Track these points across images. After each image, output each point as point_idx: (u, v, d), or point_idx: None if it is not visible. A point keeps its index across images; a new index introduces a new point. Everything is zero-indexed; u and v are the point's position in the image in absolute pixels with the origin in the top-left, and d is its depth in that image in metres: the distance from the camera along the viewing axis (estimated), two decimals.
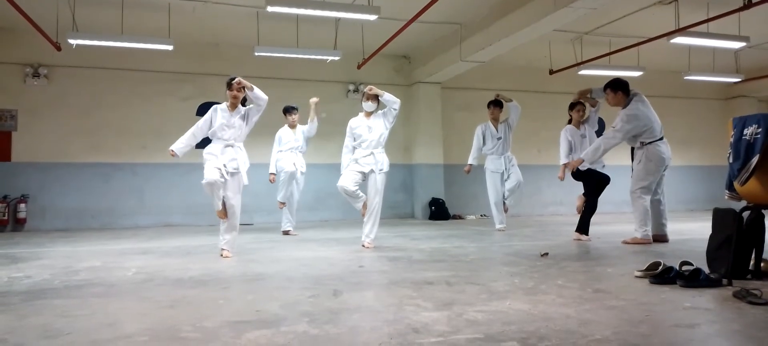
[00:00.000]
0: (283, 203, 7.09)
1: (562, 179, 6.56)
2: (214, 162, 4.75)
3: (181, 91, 9.41)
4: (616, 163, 11.43)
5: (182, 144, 4.90)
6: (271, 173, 7.11)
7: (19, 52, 8.68)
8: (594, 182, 6.18)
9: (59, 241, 6.78)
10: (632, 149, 5.93)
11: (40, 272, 4.16)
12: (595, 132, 6.57)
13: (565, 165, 6.48)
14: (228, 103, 4.92)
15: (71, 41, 7.57)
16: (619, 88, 5.75)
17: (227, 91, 4.89)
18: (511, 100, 7.25)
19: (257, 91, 4.79)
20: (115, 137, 9.09)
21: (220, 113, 4.89)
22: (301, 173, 7.16)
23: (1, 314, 2.78)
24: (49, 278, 3.91)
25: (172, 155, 4.91)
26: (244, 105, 4.94)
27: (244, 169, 4.90)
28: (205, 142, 4.98)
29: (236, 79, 4.85)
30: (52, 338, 2.33)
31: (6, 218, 8.30)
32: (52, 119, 8.80)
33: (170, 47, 8.01)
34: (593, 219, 6.30)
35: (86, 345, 2.24)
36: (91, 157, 8.96)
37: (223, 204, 4.83)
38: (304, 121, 7.19)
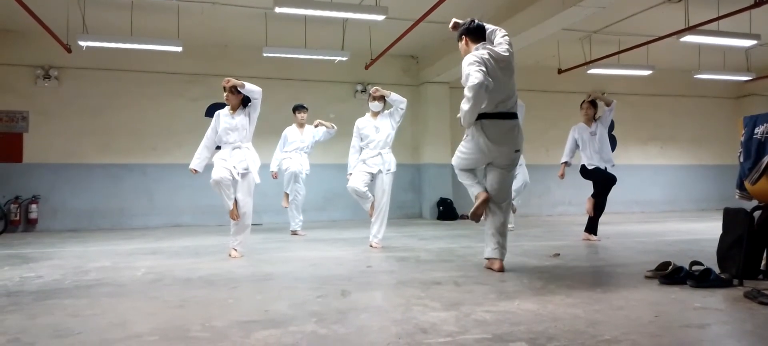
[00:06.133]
0: (287, 194, 7.12)
1: (561, 177, 6.54)
2: (224, 164, 4.79)
3: (191, 92, 9.46)
4: (626, 162, 11.39)
5: (199, 159, 4.98)
6: (272, 171, 7.17)
7: (30, 55, 8.76)
8: (601, 182, 6.13)
9: (70, 241, 6.84)
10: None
11: (51, 272, 4.20)
12: (609, 132, 6.49)
13: (565, 164, 6.47)
14: (229, 107, 4.98)
15: (81, 43, 7.63)
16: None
17: (229, 95, 4.93)
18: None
19: (249, 85, 4.82)
20: (125, 138, 9.15)
21: (222, 118, 4.95)
22: (306, 173, 7.18)
23: (12, 314, 2.81)
24: (59, 278, 3.94)
25: (194, 173, 4.97)
26: (245, 105, 4.96)
27: (254, 169, 4.93)
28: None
29: (225, 79, 4.88)
30: (63, 338, 2.36)
31: (18, 218, 8.37)
32: (63, 121, 8.87)
33: (179, 49, 8.05)
34: (602, 219, 6.27)
35: (96, 344, 2.26)
36: (101, 158, 9.03)
37: (235, 204, 4.85)
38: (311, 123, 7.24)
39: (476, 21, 4.18)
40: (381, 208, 5.50)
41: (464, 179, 4.23)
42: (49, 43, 7.92)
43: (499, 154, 3.94)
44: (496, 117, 3.90)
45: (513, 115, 3.96)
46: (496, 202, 4.03)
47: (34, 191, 8.63)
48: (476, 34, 4.12)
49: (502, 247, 3.99)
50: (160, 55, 8.88)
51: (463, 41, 4.17)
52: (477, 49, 3.98)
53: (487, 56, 3.89)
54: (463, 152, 4.14)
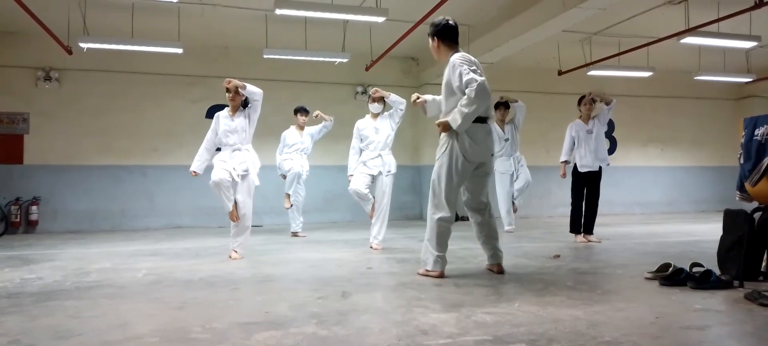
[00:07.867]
0: (289, 195, 7.11)
1: (563, 176, 6.55)
2: (224, 166, 4.79)
3: (191, 94, 9.47)
4: (626, 163, 11.39)
5: (199, 161, 5.00)
6: (282, 175, 7.17)
7: (31, 56, 8.76)
8: (591, 190, 6.14)
9: (70, 243, 6.84)
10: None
11: (51, 274, 4.20)
12: (606, 131, 6.50)
13: (565, 163, 6.49)
14: (229, 108, 4.98)
15: (82, 45, 7.63)
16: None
17: (233, 95, 4.93)
18: (516, 101, 7.30)
19: (250, 87, 4.83)
20: (125, 140, 9.15)
21: (222, 120, 4.96)
22: (306, 173, 7.19)
23: (13, 315, 2.82)
24: (60, 279, 3.95)
25: (194, 175, 5.00)
26: (244, 107, 4.97)
27: (254, 171, 4.93)
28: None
29: (226, 80, 4.89)
30: (64, 339, 2.36)
31: (18, 220, 8.37)
32: (64, 122, 8.88)
33: (180, 50, 8.06)
34: (602, 221, 6.26)
35: None
36: (102, 160, 9.03)
37: (235, 205, 4.86)
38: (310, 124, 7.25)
39: (451, 21, 3.97)
40: (381, 209, 5.52)
41: (436, 238, 3.89)
42: (50, 44, 7.92)
43: (482, 158, 3.88)
44: (476, 121, 3.81)
45: (486, 119, 3.92)
46: (478, 210, 4.01)
47: (35, 193, 8.63)
48: (451, 35, 3.95)
49: (497, 251, 4.02)
50: (161, 56, 8.88)
51: (435, 43, 3.97)
52: (457, 53, 3.86)
53: (472, 59, 3.86)
54: (451, 168, 3.81)
